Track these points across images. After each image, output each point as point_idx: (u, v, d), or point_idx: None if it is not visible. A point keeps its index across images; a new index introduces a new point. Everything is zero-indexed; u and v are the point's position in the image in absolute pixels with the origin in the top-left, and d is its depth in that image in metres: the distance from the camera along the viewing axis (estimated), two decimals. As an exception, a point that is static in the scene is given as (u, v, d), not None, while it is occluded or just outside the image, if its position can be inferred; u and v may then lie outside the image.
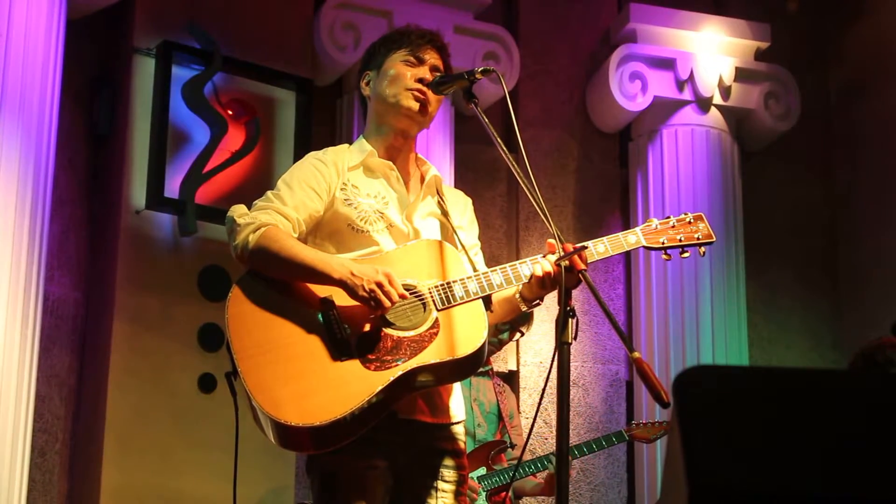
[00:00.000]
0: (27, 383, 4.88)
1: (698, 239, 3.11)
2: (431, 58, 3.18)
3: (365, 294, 2.86)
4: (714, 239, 3.13)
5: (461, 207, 3.30)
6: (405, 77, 3.14)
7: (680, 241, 3.09)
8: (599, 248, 3.02)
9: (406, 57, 3.17)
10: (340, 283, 2.89)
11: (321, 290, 2.94)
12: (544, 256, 2.98)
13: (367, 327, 2.91)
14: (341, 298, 2.91)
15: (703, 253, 3.13)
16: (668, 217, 3.14)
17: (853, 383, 1.58)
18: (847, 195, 7.60)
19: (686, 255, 3.10)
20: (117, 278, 5.59)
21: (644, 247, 3.08)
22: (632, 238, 3.07)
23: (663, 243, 3.08)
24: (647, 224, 3.12)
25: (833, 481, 1.43)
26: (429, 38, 3.21)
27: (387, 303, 2.87)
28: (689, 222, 3.12)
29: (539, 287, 2.97)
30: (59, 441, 5.60)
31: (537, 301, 3.06)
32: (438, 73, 3.17)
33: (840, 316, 7.45)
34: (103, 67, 5.98)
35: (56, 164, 5.25)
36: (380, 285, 2.86)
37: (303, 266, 2.92)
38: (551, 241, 2.89)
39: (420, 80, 3.13)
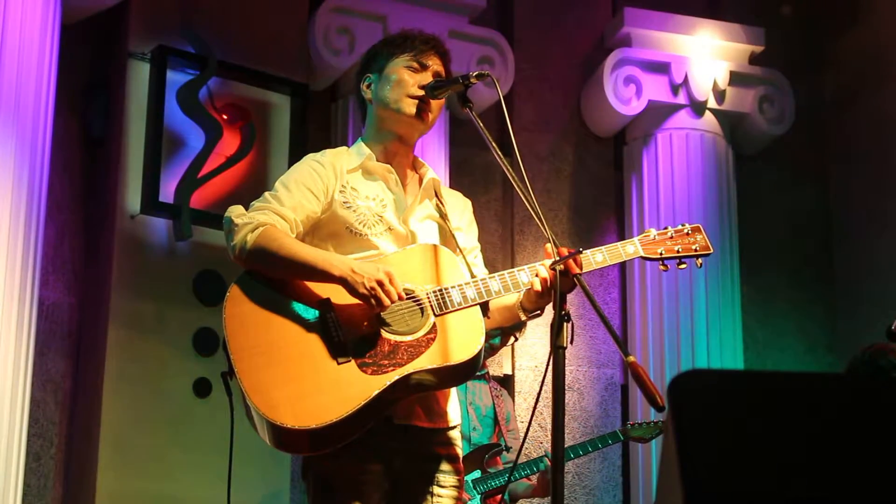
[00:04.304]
0: (22, 388, 4.87)
1: (696, 251, 3.10)
2: (434, 64, 3.16)
3: (365, 291, 2.86)
4: (711, 251, 3.13)
5: (460, 209, 3.29)
6: (408, 84, 3.12)
7: (677, 252, 3.09)
8: (597, 257, 3.02)
9: (409, 63, 3.15)
10: (341, 280, 2.88)
11: (320, 292, 2.93)
12: (542, 263, 2.97)
13: (365, 330, 2.90)
14: (340, 300, 2.91)
15: (700, 265, 3.13)
16: (667, 228, 3.13)
17: (848, 387, 1.58)
18: (841, 199, 7.61)
19: (683, 266, 3.10)
20: (112, 283, 5.59)
21: (642, 257, 3.08)
22: (630, 248, 3.07)
23: (661, 254, 3.08)
24: (644, 234, 3.11)
25: (828, 484, 1.43)
26: (433, 45, 3.20)
27: (386, 301, 2.86)
28: (687, 233, 3.12)
29: (537, 296, 2.96)
30: (54, 446, 5.59)
31: (538, 311, 3.05)
32: None
33: (835, 319, 7.45)
34: (98, 72, 5.97)
35: (51, 169, 5.24)
36: (380, 283, 2.86)
37: (303, 264, 2.91)
38: (548, 246, 2.89)
39: (423, 87, 3.12)
